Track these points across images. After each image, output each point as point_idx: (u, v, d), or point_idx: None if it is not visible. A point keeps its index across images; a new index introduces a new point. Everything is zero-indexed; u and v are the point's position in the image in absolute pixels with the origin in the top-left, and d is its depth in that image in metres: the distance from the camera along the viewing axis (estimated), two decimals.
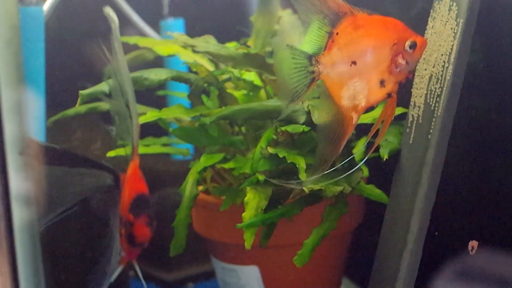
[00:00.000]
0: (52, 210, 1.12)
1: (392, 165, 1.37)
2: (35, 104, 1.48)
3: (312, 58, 1.19)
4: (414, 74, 1.32)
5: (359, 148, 1.50)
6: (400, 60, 1.20)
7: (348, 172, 1.31)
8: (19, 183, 0.94)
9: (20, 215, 0.95)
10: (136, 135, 1.18)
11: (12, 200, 0.94)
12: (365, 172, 1.51)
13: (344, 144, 1.23)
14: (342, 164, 1.32)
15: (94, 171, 1.18)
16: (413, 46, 1.20)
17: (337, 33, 1.19)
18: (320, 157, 1.25)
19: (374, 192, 1.40)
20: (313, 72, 1.19)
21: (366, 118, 1.39)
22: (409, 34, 1.21)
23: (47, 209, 1.15)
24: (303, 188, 1.28)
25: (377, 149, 1.39)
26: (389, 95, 1.22)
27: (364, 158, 1.30)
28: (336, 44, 1.19)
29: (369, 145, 1.32)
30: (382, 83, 1.20)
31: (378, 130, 1.28)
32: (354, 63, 1.19)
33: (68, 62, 1.80)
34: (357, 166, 1.30)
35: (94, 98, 1.41)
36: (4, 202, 0.94)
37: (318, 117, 1.26)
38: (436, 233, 1.30)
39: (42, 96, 1.53)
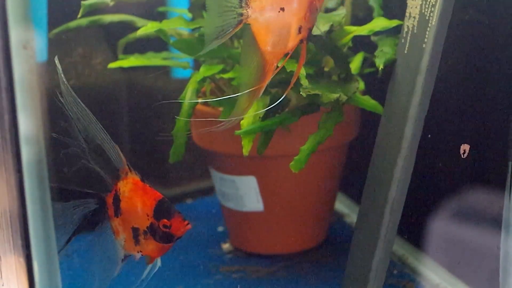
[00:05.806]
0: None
1: (388, 81, 1.40)
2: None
3: (242, 0, 1.17)
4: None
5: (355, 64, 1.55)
6: (315, 6, 1.20)
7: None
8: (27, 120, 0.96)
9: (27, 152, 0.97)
10: (117, 156, 1.20)
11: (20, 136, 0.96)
12: (361, 85, 1.54)
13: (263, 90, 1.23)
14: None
15: (81, 201, 1.25)
16: None
17: None
18: (240, 103, 1.25)
19: (369, 102, 1.43)
20: (241, 14, 1.18)
21: (362, 30, 1.42)
22: None
23: None
24: (301, 92, 1.31)
25: (374, 65, 1.42)
26: (301, 41, 1.22)
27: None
28: None
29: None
30: (299, 29, 1.20)
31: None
32: (282, 9, 1.18)
33: None
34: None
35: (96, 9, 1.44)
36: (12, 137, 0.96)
37: (241, 61, 1.25)
38: (429, 135, 1.33)
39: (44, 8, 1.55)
